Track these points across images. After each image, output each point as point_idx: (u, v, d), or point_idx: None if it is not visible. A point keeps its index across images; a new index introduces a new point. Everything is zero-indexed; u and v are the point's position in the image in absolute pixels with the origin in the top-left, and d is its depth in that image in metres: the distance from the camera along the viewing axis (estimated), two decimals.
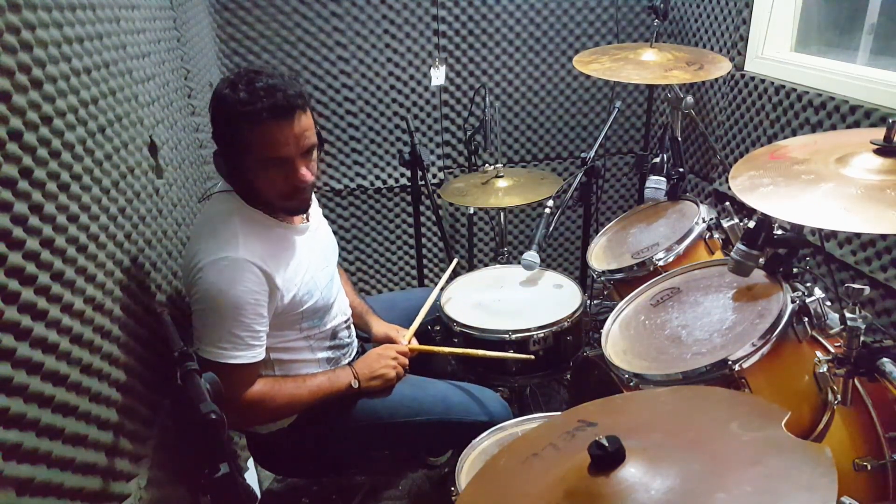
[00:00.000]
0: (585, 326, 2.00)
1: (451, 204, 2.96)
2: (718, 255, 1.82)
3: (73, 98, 1.12)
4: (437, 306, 1.95)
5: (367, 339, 1.90)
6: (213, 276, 1.36)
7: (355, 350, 1.81)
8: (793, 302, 1.29)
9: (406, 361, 1.70)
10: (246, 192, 1.48)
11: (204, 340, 1.39)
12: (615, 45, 2.46)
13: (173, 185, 1.67)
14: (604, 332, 1.56)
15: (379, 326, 1.87)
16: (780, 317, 1.27)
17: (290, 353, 1.59)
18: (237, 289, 1.37)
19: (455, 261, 2.18)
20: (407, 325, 1.85)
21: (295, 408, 1.56)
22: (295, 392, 1.53)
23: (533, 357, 1.78)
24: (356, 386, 1.60)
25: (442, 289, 2.02)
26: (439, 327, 1.96)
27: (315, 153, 1.47)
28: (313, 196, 1.61)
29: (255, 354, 1.44)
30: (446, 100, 2.88)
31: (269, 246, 1.46)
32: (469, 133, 2.65)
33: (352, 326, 1.81)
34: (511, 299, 2.00)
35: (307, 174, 1.44)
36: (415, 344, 1.80)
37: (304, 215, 1.63)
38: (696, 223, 1.83)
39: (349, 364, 1.67)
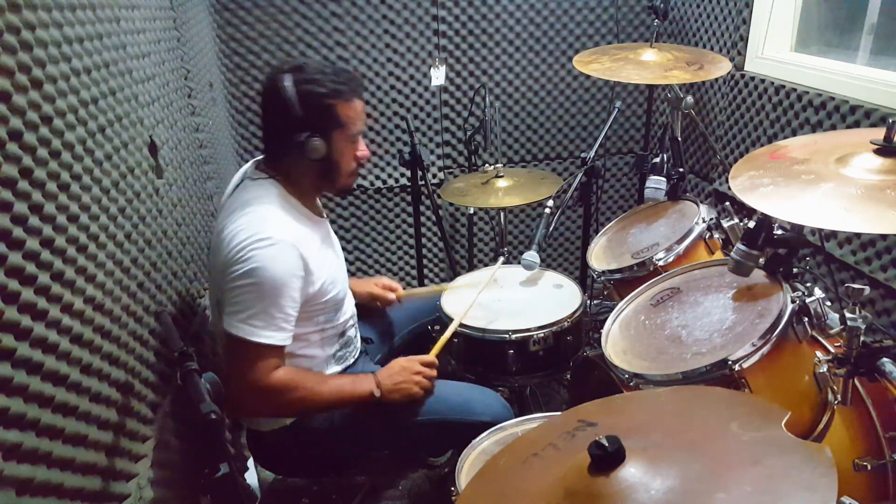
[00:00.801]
0: (585, 326, 2.00)
1: (451, 204, 2.96)
2: (718, 255, 1.82)
3: (73, 98, 1.12)
4: (437, 306, 1.95)
5: (368, 341, 1.90)
6: (259, 254, 1.40)
7: (359, 350, 1.82)
8: (793, 302, 1.29)
9: (434, 374, 1.66)
10: (318, 174, 1.57)
11: (237, 316, 1.40)
12: (615, 45, 2.46)
13: (173, 185, 1.67)
14: (604, 332, 1.56)
15: (356, 286, 1.89)
16: (780, 317, 1.27)
17: (304, 346, 1.60)
18: (280, 269, 1.41)
19: (501, 259, 2.15)
20: (406, 327, 1.86)
21: (313, 403, 1.54)
22: (315, 387, 1.53)
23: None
24: (377, 395, 1.57)
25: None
26: (438, 327, 1.96)
27: None
28: None
29: (284, 338, 1.45)
30: (446, 100, 2.88)
31: (305, 233, 1.53)
32: (469, 133, 2.65)
33: (357, 326, 1.83)
34: (511, 299, 2.00)
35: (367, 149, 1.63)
36: (432, 359, 1.71)
37: (322, 212, 1.71)
38: (696, 223, 1.83)
39: (371, 373, 1.63)
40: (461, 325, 1.84)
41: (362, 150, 1.60)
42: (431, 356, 1.69)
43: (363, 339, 1.88)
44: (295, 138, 1.49)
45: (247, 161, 2.74)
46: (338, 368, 1.72)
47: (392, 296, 1.98)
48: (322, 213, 1.69)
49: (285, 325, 1.45)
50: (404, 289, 2.04)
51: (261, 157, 1.66)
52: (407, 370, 1.62)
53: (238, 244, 1.41)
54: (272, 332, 1.42)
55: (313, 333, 1.61)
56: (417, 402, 1.65)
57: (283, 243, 1.43)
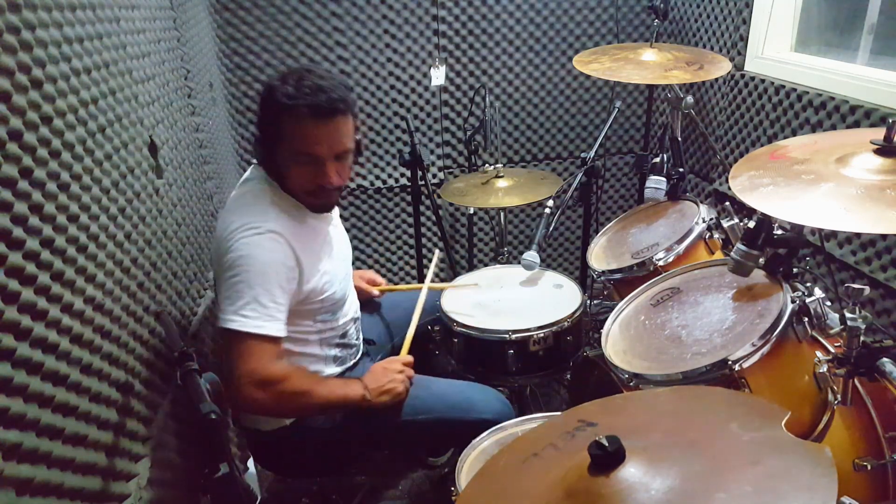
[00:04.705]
0: (585, 326, 2.00)
1: (451, 204, 2.96)
2: (718, 255, 1.82)
3: (73, 98, 1.12)
4: (436, 306, 1.95)
5: (370, 342, 1.90)
6: (244, 242, 1.41)
7: (360, 352, 1.81)
8: (793, 302, 1.29)
9: (412, 373, 1.66)
10: (277, 179, 1.55)
11: (228, 310, 1.40)
12: (615, 45, 2.46)
13: (173, 185, 1.67)
14: (604, 332, 1.56)
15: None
16: (780, 317, 1.27)
17: (302, 345, 1.60)
18: (266, 255, 1.42)
19: (437, 254, 2.19)
20: (406, 327, 1.85)
21: (307, 401, 1.50)
22: (312, 386, 1.50)
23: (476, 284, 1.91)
24: (369, 398, 1.55)
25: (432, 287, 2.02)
26: (439, 327, 1.96)
27: (349, 158, 1.54)
28: None
29: (279, 328, 1.43)
30: (446, 100, 2.88)
31: (298, 228, 1.52)
32: (469, 133, 2.65)
33: (360, 328, 1.83)
34: (511, 299, 2.00)
35: (334, 177, 1.50)
36: (409, 358, 1.72)
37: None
38: (696, 223, 1.83)
39: (358, 378, 1.62)
40: (461, 325, 1.85)
41: (326, 175, 1.48)
42: (406, 355, 1.69)
43: (365, 341, 1.88)
44: (255, 139, 1.55)
45: (247, 161, 2.78)
46: (337, 370, 1.72)
47: (375, 291, 2.01)
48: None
49: (278, 315, 1.43)
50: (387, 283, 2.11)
51: None
52: (390, 371, 1.61)
53: (227, 235, 1.44)
54: (265, 323, 1.40)
55: (311, 333, 1.61)
56: (418, 400, 1.65)
57: (271, 232, 1.44)
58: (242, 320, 1.39)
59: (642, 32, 2.89)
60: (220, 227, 1.51)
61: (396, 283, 3.18)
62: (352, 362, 1.77)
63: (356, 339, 1.79)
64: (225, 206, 1.58)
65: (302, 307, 1.54)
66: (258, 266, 1.40)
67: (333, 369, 1.71)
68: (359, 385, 1.56)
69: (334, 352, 1.69)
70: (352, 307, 1.76)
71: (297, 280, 1.49)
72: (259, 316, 1.40)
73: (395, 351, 1.95)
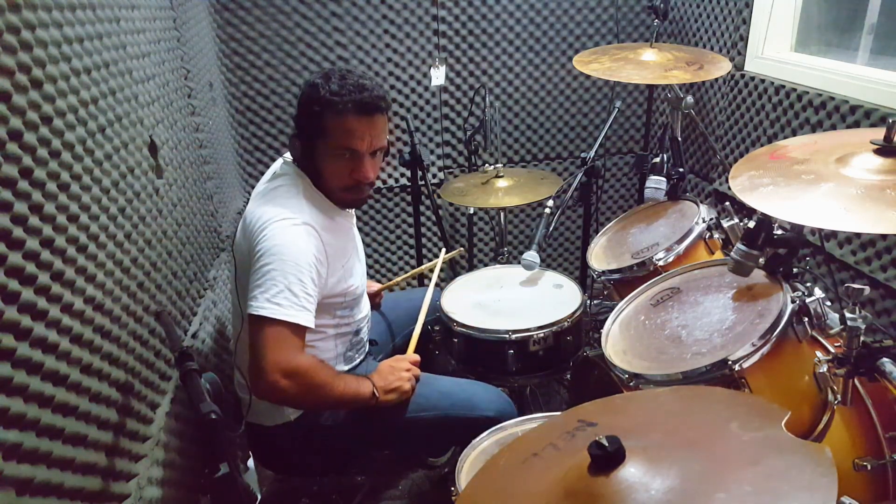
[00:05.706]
0: (585, 326, 2.00)
1: (451, 204, 2.96)
2: (718, 255, 1.82)
3: (73, 98, 1.12)
4: (436, 306, 1.95)
5: (372, 343, 1.90)
6: (279, 232, 1.45)
7: (366, 352, 1.83)
8: (793, 302, 1.29)
9: (419, 372, 1.67)
10: (311, 176, 1.60)
11: (260, 297, 1.40)
12: (615, 45, 2.46)
13: (173, 185, 1.67)
14: (604, 332, 1.56)
15: None
16: (780, 317, 1.27)
17: (318, 339, 1.61)
18: (300, 246, 1.45)
19: (443, 251, 2.21)
20: (407, 328, 1.86)
21: (325, 393, 1.48)
22: (330, 380, 1.49)
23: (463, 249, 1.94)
24: (377, 395, 1.56)
25: (436, 285, 2.04)
26: (439, 327, 1.96)
27: (381, 156, 1.60)
28: None
29: (308, 318, 1.44)
30: (446, 100, 2.88)
31: (328, 224, 1.57)
32: (469, 133, 2.65)
33: (370, 327, 1.85)
34: (511, 299, 2.00)
35: (370, 172, 1.57)
36: (416, 356, 1.74)
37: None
38: (696, 223, 1.83)
39: (367, 376, 1.62)
40: (461, 325, 1.85)
41: (363, 170, 1.55)
42: (413, 354, 1.70)
43: (368, 341, 1.88)
44: (292, 134, 1.59)
45: (247, 161, 2.78)
46: (345, 367, 1.73)
47: (374, 291, 2.04)
48: (347, 210, 1.72)
49: (308, 306, 1.44)
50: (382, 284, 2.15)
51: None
52: (397, 369, 1.62)
53: (260, 225, 1.47)
54: (297, 312, 1.42)
55: (329, 327, 1.64)
56: (421, 397, 1.65)
57: (305, 225, 1.48)
58: (275, 308, 1.40)
59: (642, 32, 2.89)
60: (250, 216, 1.53)
61: (397, 285, 3.18)
62: (358, 360, 1.78)
63: (366, 338, 1.82)
64: (255, 197, 1.61)
65: (325, 301, 1.56)
66: (292, 256, 1.43)
67: (342, 366, 1.72)
68: (369, 383, 1.57)
69: (344, 348, 1.71)
70: (366, 305, 1.80)
71: (322, 274, 1.52)
72: (291, 305, 1.41)
73: (397, 351, 1.96)
